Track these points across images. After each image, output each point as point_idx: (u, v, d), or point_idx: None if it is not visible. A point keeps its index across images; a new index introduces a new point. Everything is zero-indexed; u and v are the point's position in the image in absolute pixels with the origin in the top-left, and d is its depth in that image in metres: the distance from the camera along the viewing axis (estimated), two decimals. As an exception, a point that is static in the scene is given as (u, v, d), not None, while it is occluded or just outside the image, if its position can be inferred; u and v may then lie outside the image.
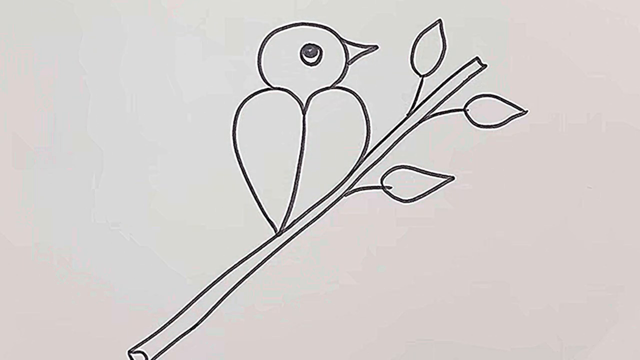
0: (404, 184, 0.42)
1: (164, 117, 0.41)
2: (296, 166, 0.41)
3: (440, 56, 0.41)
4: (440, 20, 0.41)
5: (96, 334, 0.42)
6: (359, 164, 0.42)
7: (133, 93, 0.41)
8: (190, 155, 0.41)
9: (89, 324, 0.42)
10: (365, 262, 0.42)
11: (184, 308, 0.42)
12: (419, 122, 0.41)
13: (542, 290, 0.42)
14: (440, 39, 0.41)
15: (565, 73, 0.41)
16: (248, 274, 0.42)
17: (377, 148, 0.42)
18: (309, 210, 0.42)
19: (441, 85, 0.41)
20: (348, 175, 0.42)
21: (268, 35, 0.41)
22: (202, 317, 0.42)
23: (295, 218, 0.42)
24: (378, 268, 0.42)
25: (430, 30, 0.41)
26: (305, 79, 0.41)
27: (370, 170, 0.42)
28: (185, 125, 0.41)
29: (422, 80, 0.41)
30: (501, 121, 0.41)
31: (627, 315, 0.43)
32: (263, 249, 0.42)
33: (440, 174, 0.42)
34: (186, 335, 0.42)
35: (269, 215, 0.42)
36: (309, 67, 0.41)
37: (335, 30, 0.41)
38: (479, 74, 0.41)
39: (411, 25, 0.41)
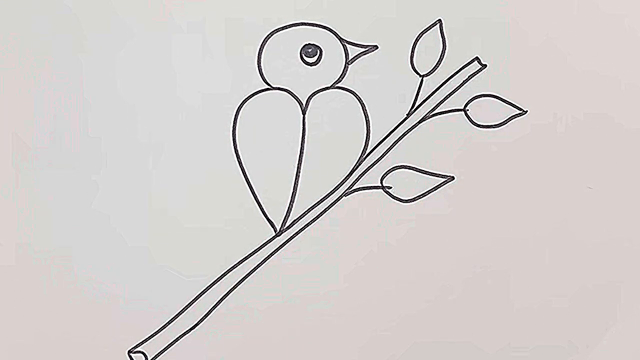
0: (404, 184, 0.42)
1: (164, 117, 0.41)
2: (296, 166, 0.41)
3: (440, 56, 0.41)
4: (440, 20, 0.41)
5: (96, 333, 0.42)
6: (359, 164, 0.42)
7: (133, 93, 0.41)
8: (190, 155, 0.41)
9: (89, 324, 0.42)
10: (365, 262, 0.42)
11: (184, 308, 0.42)
12: (419, 122, 0.41)
13: (542, 289, 0.42)
14: (440, 39, 0.41)
15: (565, 73, 0.41)
16: (248, 274, 0.42)
17: (377, 148, 0.42)
18: (309, 210, 0.42)
19: (441, 85, 0.41)
20: (348, 175, 0.42)
21: (268, 35, 0.41)
22: (202, 317, 0.42)
23: (295, 218, 0.42)
24: (378, 268, 0.42)
25: (430, 30, 0.41)
26: (305, 79, 0.41)
27: (370, 170, 0.42)
28: (185, 125, 0.41)
29: (422, 80, 0.41)
30: (501, 121, 0.41)
31: (627, 315, 0.43)
32: (263, 249, 0.42)
33: (440, 174, 0.42)
34: (186, 335, 0.42)
35: (269, 215, 0.42)
36: (309, 67, 0.41)
37: (335, 30, 0.41)
38: (479, 74, 0.41)
39: (411, 25, 0.41)
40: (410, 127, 0.41)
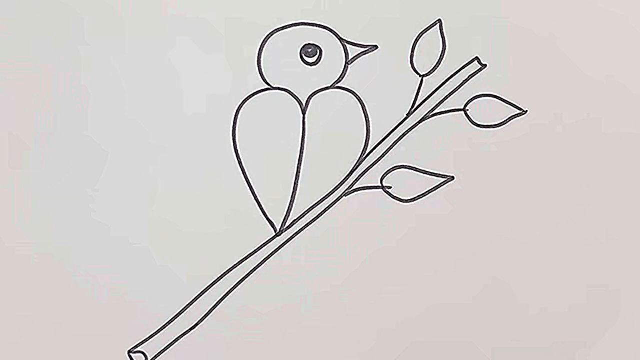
0: (404, 184, 0.42)
1: (164, 117, 0.41)
2: (296, 166, 0.41)
3: (440, 56, 0.41)
4: (440, 20, 0.41)
5: (96, 334, 0.42)
6: (359, 164, 0.42)
7: (133, 93, 0.41)
8: (191, 155, 0.41)
9: (89, 324, 0.42)
10: (365, 262, 0.42)
11: (184, 308, 0.42)
12: (419, 122, 0.41)
13: (542, 290, 0.42)
14: (440, 39, 0.41)
15: (565, 73, 0.41)
16: (248, 274, 0.42)
17: (377, 148, 0.42)
18: (309, 210, 0.42)
19: (441, 85, 0.41)
20: (348, 175, 0.42)
21: (268, 35, 0.41)
22: (202, 317, 0.42)
23: (295, 218, 0.42)
24: (378, 268, 0.42)
25: (430, 30, 0.41)
26: (305, 79, 0.41)
27: (370, 170, 0.42)
28: (185, 126, 0.41)
29: (422, 80, 0.41)
30: (501, 121, 0.41)
31: (627, 315, 0.43)
32: (263, 249, 0.42)
33: (440, 174, 0.42)
34: (186, 335, 0.42)
35: (269, 215, 0.42)
36: (309, 67, 0.41)
37: (335, 30, 0.41)
38: (479, 74, 0.41)
39: (411, 25, 0.41)
40: (410, 127, 0.41)
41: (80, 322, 0.42)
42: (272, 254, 0.42)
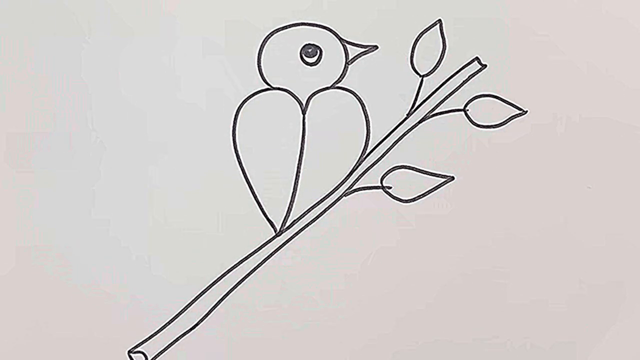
0: (404, 184, 0.42)
1: (164, 117, 0.41)
2: (296, 166, 0.41)
3: (440, 56, 0.41)
4: (440, 20, 0.41)
5: (96, 334, 0.42)
6: (359, 164, 0.42)
7: (133, 93, 0.41)
8: (191, 155, 0.41)
9: (89, 324, 0.42)
10: (365, 262, 0.42)
11: (184, 308, 0.42)
12: (419, 122, 0.41)
13: (542, 289, 0.42)
14: (440, 39, 0.41)
15: (565, 73, 0.41)
16: (248, 274, 0.42)
17: (377, 148, 0.42)
18: (309, 210, 0.42)
19: (441, 85, 0.41)
20: (348, 175, 0.42)
21: (268, 35, 0.41)
22: (202, 317, 0.42)
23: (295, 218, 0.42)
24: (378, 268, 0.42)
25: (430, 30, 0.41)
26: (305, 79, 0.41)
27: (370, 170, 0.42)
28: (185, 125, 0.41)
29: (422, 80, 0.41)
30: (501, 121, 0.41)
31: (627, 315, 0.43)
32: (263, 249, 0.42)
33: (440, 174, 0.42)
34: (186, 335, 0.42)
35: (269, 215, 0.42)
36: (309, 67, 0.41)
37: (335, 30, 0.41)
38: (479, 74, 0.41)
39: (411, 25, 0.41)
40: (410, 127, 0.41)
41: (81, 322, 0.42)
42: (272, 254, 0.42)
